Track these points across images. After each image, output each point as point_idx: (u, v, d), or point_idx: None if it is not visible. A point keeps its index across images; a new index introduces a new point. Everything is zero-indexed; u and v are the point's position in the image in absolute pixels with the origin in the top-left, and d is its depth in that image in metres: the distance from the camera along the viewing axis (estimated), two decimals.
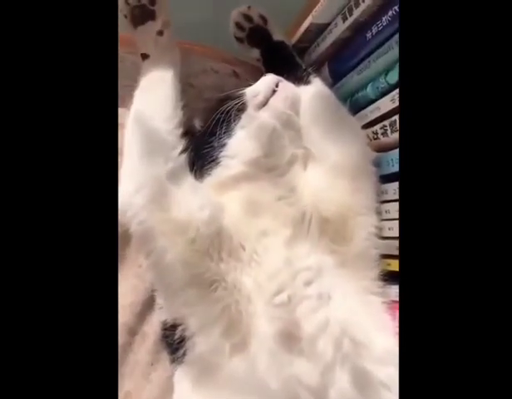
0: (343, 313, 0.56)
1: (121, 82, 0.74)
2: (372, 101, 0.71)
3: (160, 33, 0.74)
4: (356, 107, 0.75)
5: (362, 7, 0.70)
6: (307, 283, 0.58)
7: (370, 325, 0.57)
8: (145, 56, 0.76)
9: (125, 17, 0.74)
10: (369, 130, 0.71)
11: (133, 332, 0.68)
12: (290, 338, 0.55)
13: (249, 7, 0.80)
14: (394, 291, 0.62)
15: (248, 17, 0.81)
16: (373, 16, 0.70)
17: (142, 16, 0.73)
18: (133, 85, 0.73)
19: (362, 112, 0.74)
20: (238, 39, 0.84)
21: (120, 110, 0.72)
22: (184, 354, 0.59)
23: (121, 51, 0.78)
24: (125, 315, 0.68)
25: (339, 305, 0.57)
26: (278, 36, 0.83)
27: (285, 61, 0.82)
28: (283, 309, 0.56)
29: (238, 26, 0.82)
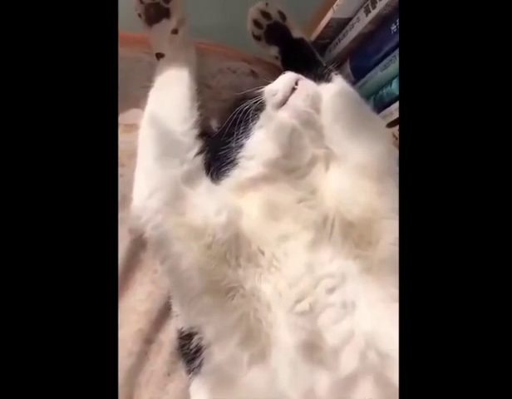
0: (369, 323, 0.52)
1: (138, 83, 0.74)
2: (398, 98, 0.67)
3: (175, 32, 0.72)
4: (380, 105, 0.72)
5: None
6: (330, 291, 0.54)
7: (397, 335, 0.52)
8: (160, 56, 0.73)
9: (140, 16, 0.72)
10: (395, 129, 0.67)
11: (149, 340, 0.65)
12: (312, 349, 0.51)
13: (267, 4, 0.77)
14: None
15: (266, 14, 0.78)
16: (397, 7, 0.66)
17: (157, 14, 0.71)
18: (149, 85, 0.71)
19: (387, 110, 0.70)
20: (256, 37, 0.81)
21: (136, 111, 0.71)
22: (200, 364, 0.56)
23: (138, 51, 0.77)
24: (140, 322, 0.65)
25: (364, 314, 0.53)
26: (297, 32, 0.79)
27: (305, 59, 0.78)
28: (305, 318, 0.52)
29: (256, 23, 0.79)
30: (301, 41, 0.80)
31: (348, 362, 0.50)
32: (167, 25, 0.71)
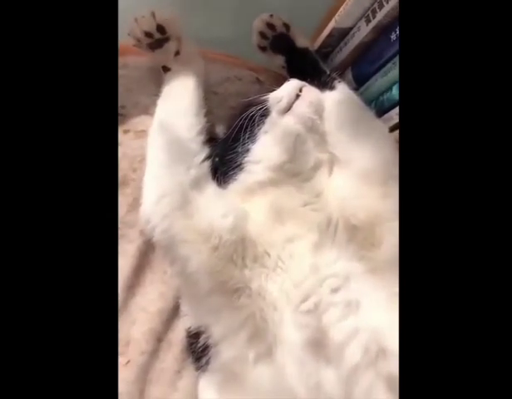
0: (372, 321, 0.50)
1: (149, 91, 0.73)
2: (398, 103, 0.66)
3: (177, 53, 0.72)
4: (381, 110, 0.70)
5: (386, 8, 0.66)
6: (335, 290, 0.52)
7: None
8: (166, 69, 0.73)
9: (143, 50, 0.73)
10: (396, 133, 0.65)
11: (160, 338, 0.64)
12: (317, 346, 0.50)
13: (272, 15, 0.76)
14: None
15: (271, 26, 0.76)
16: (397, 17, 0.65)
17: (157, 44, 0.71)
18: (160, 93, 0.70)
19: (387, 115, 0.69)
20: (262, 48, 0.79)
21: (147, 118, 0.70)
22: (207, 362, 0.56)
23: (149, 60, 0.76)
24: (152, 321, 0.64)
25: (368, 312, 0.51)
26: (301, 42, 0.78)
27: (309, 67, 0.76)
28: (310, 316, 0.51)
29: (262, 35, 0.77)
30: (305, 50, 0.78)
31: (352, 355, 0.49)
32: (169, 48, 0.72)
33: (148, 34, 0.70)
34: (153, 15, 0.69)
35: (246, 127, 0.63)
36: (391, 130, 0.67)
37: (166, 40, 0.71)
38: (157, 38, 0.70)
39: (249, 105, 0.66)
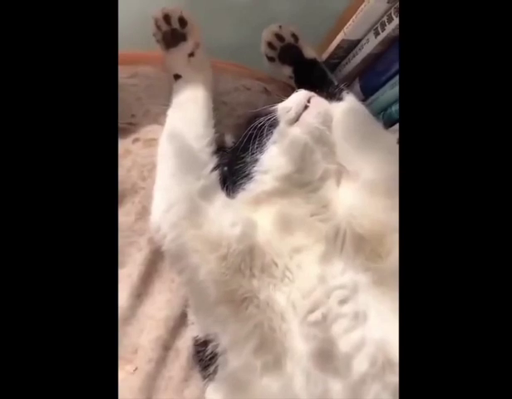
0: (379, 333, 0.50)
1: (159, 100, 0.73)
2: None
3: (192, 55, 0.72)
4: (389, 121, 0.70)
5: (395, 22, 0.66)
6: (343, 302, 0.52)
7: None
8: (177, 77, 0.73)
9: (158, 41, 0.72)
10: None
11: (167, 346, 0.63)
12: (325, 357, 0.50)
13: (280, 26, 0.76)
14: None
15: (279, 37, 0.77)
16: None
17: (174, 39, 0.72)
18: (170, 103, 0.71)
19: (396, 127, 0.69)
20: (270, 58, 0.80)
21: (157, 127, 0.70)
22: (215, 371, 0.55)
23: (160, 70, 0.77)
24: (159, 329, 0.64)
25: (375, 325, 0.51)
26: (309, 53, 0.78)
27: (317, 78, 0.77)
28: (318, 327, 0.51)
29: (270, 45, 0.78)
30: (313, 61, 0.79)
31: (360, 366, 0.49)
32: (184, 48, 0.72)
33: (167, 19, 0.70)
34: (181, 9, 0.70)
35: (255, 137, 0.64)
36: None
37: (183, 37, 0.71)
38: (174, 28, 0.71)
39: (258, 115, 0.66)
